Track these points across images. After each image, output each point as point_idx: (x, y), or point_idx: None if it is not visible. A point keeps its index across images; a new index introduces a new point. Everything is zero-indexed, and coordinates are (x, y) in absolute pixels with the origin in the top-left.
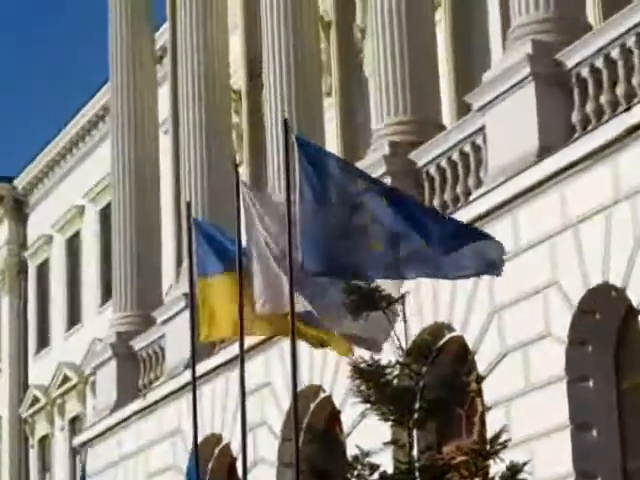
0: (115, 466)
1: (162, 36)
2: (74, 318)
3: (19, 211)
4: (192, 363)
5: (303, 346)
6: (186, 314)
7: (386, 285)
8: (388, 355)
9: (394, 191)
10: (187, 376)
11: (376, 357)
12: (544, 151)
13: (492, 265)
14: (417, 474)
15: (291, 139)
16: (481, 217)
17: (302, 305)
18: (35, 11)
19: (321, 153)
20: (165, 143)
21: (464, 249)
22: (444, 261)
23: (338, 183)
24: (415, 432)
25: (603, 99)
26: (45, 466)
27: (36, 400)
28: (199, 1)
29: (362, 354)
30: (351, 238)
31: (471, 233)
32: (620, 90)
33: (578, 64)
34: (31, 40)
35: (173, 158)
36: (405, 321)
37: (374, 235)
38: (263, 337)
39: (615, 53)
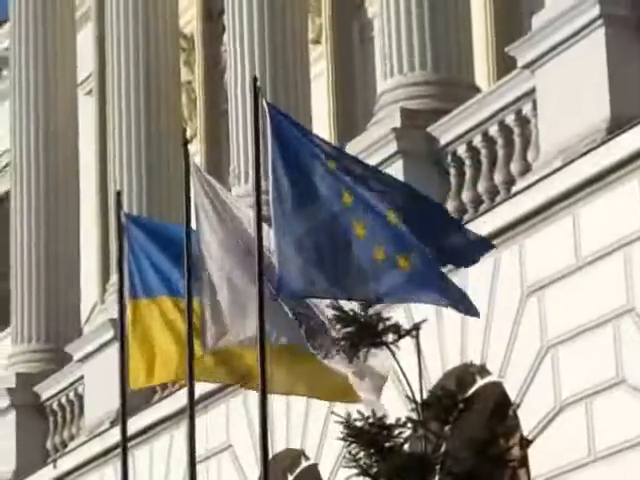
0: None
1: None
2: None
3: None
4: (122, 417)
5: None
6: (114, 348)
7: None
8: (396, 410)
9: (399, 186)
10: (115, 435)
11: (379, 413)
12: (618, 125)
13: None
14: None
15: (262, 105)
16: (528, 217)
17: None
18: None
19: (301, 129)
20: (87, 110)
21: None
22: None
23: (325, 173)
24: None
25: None
26: None
27: None
28: None
29: (359, 407)
30: (344, 249)
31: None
32: None
33: None
34: None
35: (98, 130)
36: (420, 362)
37: (375, 242)
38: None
39: None
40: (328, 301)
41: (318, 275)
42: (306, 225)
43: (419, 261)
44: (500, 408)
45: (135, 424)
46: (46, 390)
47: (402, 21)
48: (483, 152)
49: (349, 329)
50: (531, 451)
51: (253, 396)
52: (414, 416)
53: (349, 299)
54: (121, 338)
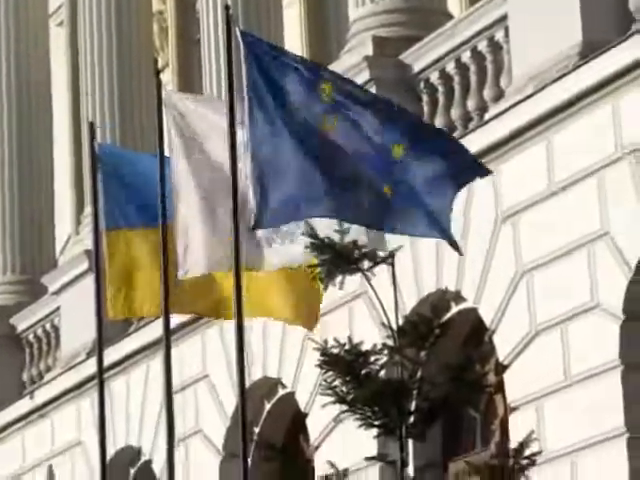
0: None
1: None
2: None
3: None
4: (98, 348)
5: (255, 322)
6: (89, 279)
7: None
8: (372, 336)
9: (382, 104)
10: (91, 367)
11: (356, 338)
12: (590, 50)
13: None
14: None
15: (235, 32)
16: (501, 143)
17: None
18: None
19: (275, 52)
20: (59, 39)
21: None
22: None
23: (300, 95)
24: (410, 443)
25: None
26: None
27: None
28: None
29: (337, 335)
30: (317, 170)
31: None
32: None
33: None
34: None
35: (70, 61)
36: (396, 289)
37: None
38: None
39: None
40: (303, 228)
41: (295, 200)
42: (281, 149)
43: (403, 190)
44: (475, 334)
45: (111, 355)
46: (22, 322)
47: None
48: (456, 79)
49: (324, 256)
50: (506, 376)
51: (229, 326)
52: (390, 343)
53: (330, 217)
54: (96, 269)
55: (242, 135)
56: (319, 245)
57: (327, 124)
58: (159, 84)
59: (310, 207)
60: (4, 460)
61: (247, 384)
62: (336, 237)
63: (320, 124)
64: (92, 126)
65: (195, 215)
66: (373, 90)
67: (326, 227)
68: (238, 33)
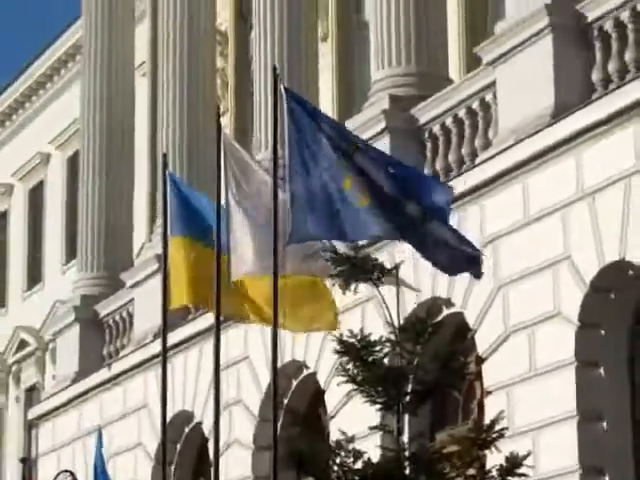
0: (73, 443)
1: None
2: (34, 277)
3: None
4: (163, 332)
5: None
6: (158, 277)
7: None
8: (379, 331)
9: (385, 156)
10: (157, 346)
11: (366, 332)
12: (560, 112)
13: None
14: (406, 463)
15: (280, 89)
16: (487, 183)
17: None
18: None
19: (311, 108)
20: (142, 87)
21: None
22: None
23: (327, 143)
24: (406, 417)
25: (628, 57)
26: None
27: None
28: None
29: (352, 328)
30: (339, 202)
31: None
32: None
33: (600, 18)
34: None
35: (150, 104)
36: (399, 294)
37: (361, 193)
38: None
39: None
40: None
41: (321, 222)
42: (312, 182)
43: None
44: (461, 332)
45: (173, 338)
46: (104, 309)
47: (392, 25)
48: (453, 130)
49: (342, 268)
50: (484, 367)
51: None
52: (392, 337)
53: (344, 241)
54: (164, 269)
55: (282, 172)
56: (339, 259)
57: (347, 178)
58: (219, 126)
59: (332, 231)
60: (87, 417)
61: (279, 365)
62: (350, 252)
63: (343, 175)
64: (165, 157)
65: (243, 234)
66: (387, 137)
67: (341, 246)
68: (282, 89)
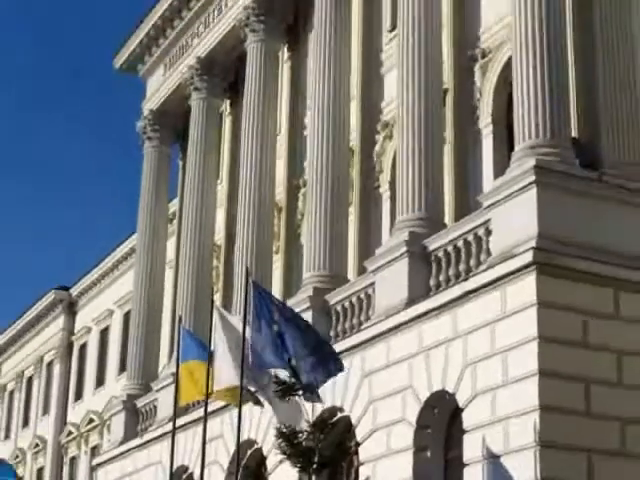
0: None
1: (173, 206)
2: (100, 382)
3: (71, 309)
4: (173, 418)
5: (247, 411)
6: (172, 386)
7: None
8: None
9: (300, 320)
10: (170, 426)
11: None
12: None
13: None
14: None
15: (250, 281)
16: (366, 341)
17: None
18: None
19: (266, 294)
20: (169, 275)
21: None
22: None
23: (272, 313)
24: (314, 477)
25: (451, 272)
26: (72, 478)
27: (70, 433)
28: (198, 185)
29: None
30: (275, 346)
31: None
32: (462, 267)
33: (436, 249)
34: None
35: (173, 285)
36: (313, 406)
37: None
38: (221, 404)
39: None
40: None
41: (273, 359)
42: (264, 340)
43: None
44: (347, 427)
45: (179, 421)
46: (140, 402)
47: (316, 241)
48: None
49: (281, 387)
50: (360, 448)
51: (235, 412)
52: (308, 429)
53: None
54: (176, 380)
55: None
56: (279, 382)
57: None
58: (212, 300)
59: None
60: (129, 465)
61: (241, 440)
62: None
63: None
64: (180, 318)
65: (223, 359)
66: (310, 312)
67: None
68: (251, 281)
